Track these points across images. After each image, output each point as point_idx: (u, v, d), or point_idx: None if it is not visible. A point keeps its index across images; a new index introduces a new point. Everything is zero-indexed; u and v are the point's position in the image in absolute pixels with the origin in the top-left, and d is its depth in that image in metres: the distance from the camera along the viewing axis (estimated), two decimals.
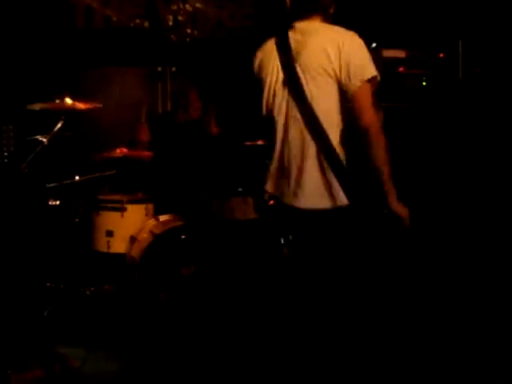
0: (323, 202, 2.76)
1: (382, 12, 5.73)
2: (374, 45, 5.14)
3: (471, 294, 4.41)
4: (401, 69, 5.09)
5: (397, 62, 5.07)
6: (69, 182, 4.56)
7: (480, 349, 3.81)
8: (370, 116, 2.71)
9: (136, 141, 5.13)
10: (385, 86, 4.95)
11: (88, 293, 4.41)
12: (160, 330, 4.08)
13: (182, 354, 3.85)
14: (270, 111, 2.92)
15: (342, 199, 2.73)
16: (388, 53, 5.05)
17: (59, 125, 4.41)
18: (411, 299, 4.19)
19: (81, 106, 4.47)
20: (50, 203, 4.51)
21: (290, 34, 2.88)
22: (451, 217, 4.74)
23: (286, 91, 2.83)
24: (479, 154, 4.88)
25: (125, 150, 4.75)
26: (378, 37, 5.25)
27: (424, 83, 5.02)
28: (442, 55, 5.22)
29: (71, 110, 4.46)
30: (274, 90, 2.88)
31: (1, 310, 4.19)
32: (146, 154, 4.95)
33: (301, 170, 2.79)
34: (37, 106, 4.40)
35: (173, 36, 6.35)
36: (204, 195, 4.72)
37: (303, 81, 2.76)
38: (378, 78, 2.78)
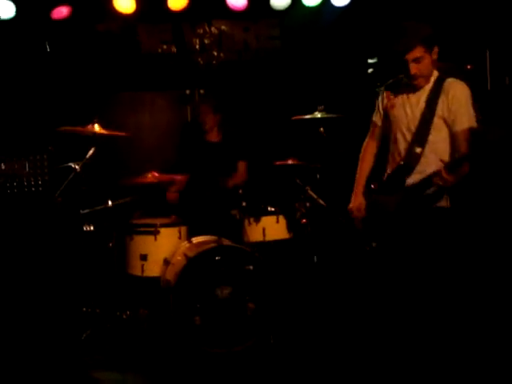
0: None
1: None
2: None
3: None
4: None
5: None
6: (102, 207, 4.60)
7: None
8: None
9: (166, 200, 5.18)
10: None
11: (124, 317, 4.43)
12: (195, 354, 4.08)
13: (217, 378, 3.84)
14: None
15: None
16: None
17: (91, 151, 4.47)
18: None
19: (108, 133, 4.54)
20: (85, 229, 4.56)
21: None
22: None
23: None
24: (509, 165, 4.82)
25: (156, 174, 4.79)
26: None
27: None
28: (469, 66, 5.19)
29: (100, 136, 4.51)
30: None
31: (40, 335, 4.24)
32: (178, 177, 4.98)
33: None
34: (67, 131, 4.46)
35: (200, 59, 6.41)
36: (236, 216, 4.73)
37: None
38: None
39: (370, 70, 5.56)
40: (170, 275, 4.31)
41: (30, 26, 5.74)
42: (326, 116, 4.95)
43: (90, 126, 4.47)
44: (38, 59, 5.87)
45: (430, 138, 3.37)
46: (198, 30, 6.39)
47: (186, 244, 4.58)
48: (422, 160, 3.37)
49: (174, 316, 4.13)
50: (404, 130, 3.46)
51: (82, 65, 6.05)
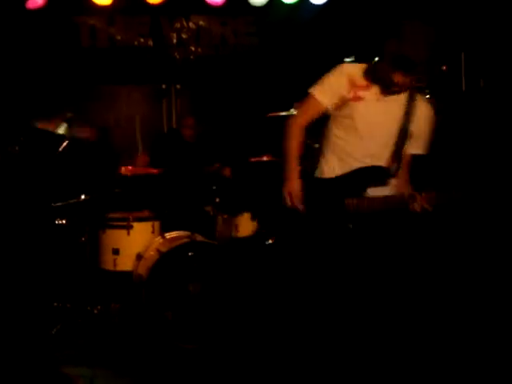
0: None
1: (384, 25, 5.74)
2: (376, 59, 5.16)
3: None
4: None
5: None
6: (75, 200, 4.56)
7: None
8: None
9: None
10: None
11: (95, 311, 4.40)
12: (167, 348, 4.07)
13: (189, 371, 3.84)
14: None
15: None
16: None
17: (64, 144, 4.43)
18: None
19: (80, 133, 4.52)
20: (57, 222, 4.52)
21: None
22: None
23: None
24: (483, 165, 4.88)
25: (131, 168, 4.76)
26: (380, 50, 5.27)
27: (427, 96, 5.02)
28: (445, 68, 5.23)
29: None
30: None
31: (8, 329, 4.20)
32: (152, 171, 4.96)
33: None
34: (39, 125, 4.41)
35: (177, 54, 6.39)
36: (210, 213, 4.73)
37: None
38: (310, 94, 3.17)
39: None
40: (143, 270, 4.29)
41: (4, 16, 5.68)
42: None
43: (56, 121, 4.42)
44: (12, 50, 5.80)
45: (403, 152, 3.19)
46: (176, 25, 6.38)
47: (159, 239, 4.56)
48: (396, 175, 3.20)
49: (145, 311, 4.12)
50: (378, 136, 3.15)
51: (56, 56, 5.99)
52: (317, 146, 3.44)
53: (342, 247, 3.14)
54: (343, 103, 3.14)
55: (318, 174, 3.28)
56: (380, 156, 3.17)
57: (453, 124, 5.04)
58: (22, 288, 4.43)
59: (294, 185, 3.18)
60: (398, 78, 3.05)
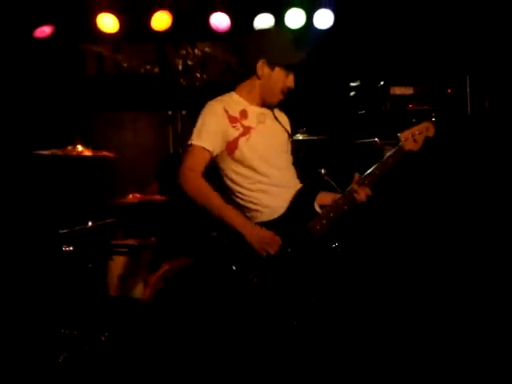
0: None
1: (390, 50, 5.78)
2: (381, 83, 5.18)
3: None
4: (410, 105, 5.11)
5: (405, 98, 5.10)
6: (82, 227, 4.56)
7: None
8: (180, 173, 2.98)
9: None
10: (393, 123, 5.00)
11: (102, 338, 4.37)
12: (175, 374, 4.04)
13: None
14: None
15: None
16: (396, 90, 5.09)
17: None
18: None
19: (91, 153, 4.50)
20: (64, 249, 4.51)
21: None
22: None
23: None
24: (489, 188, 4.87)
25: (137, 195, 4.76)
26: (386, 74, 5.30)
27: (433, 119, 5.02)
28: (449, 91, 5.24)
29: (82, 157, 4.49)
30: None
31: (15, 356, 4.17)
32: (159, 198, 4.96)
33: None
34: (48, 152, 4.42)
35: (182, 80, 6.43)
36: (213, 235, 4.70)
37: None
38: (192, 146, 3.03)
39: (351, 93, 5.60)
40: (150, 296, 4.27)
41: (12, 44, 5.73)
42: (307, 138, 4.97)
43: (72, 146, 4.44)
44: (19, 77, 5.85)
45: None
46: (181, 51, 6.43)
47: (165, 266, 4.54)
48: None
49: (153, 338, 4.09)
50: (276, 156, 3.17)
51: (63, 84, 6.03)
52: None
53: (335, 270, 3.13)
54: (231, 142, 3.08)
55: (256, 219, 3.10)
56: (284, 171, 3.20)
57: (458, 147, 5.04)
58: (30, 314, 4.41)
59: (256, 230, 2.96)
60: (290, 81, 3.18)
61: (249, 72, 3.19)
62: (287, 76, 3.18)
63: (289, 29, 5.90)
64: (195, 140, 3.03)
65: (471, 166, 4.98)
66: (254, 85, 3.20)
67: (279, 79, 3.16)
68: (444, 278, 4.57)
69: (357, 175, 3.14)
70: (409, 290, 4.31)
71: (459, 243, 4.73)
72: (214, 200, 2.98)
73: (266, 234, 2.96)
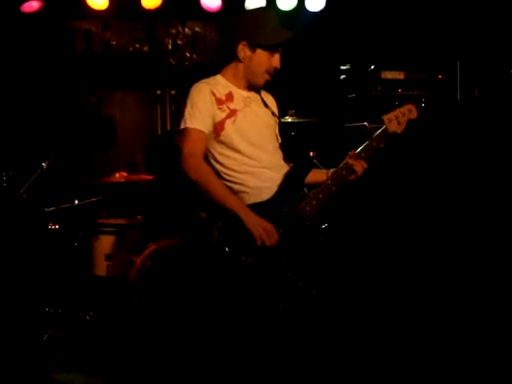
0: None
1: (381, 34, 5.77)
2: (372, 67, 5.17)
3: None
4: (399, 90, 5.10)
5: (395, 83, 5.09)
6: (68, 206, 4.53)
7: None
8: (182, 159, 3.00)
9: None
10: (384, 108, 4.99)
11: (87, 317, 4.36)
12: (160, 355, 4.04)
13: (183, 377, 3.80)
14: None
15: None
16: (387, 74, 5.08)
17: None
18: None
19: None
20: (50, 227, 4.49)
21: None
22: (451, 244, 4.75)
23: None
24: (478, 175, 4.88)
25: (124, 174, 4.73)
26: (377, 59, 5.28)
27: (423, 104, 5.02)
28: (440, 77, 5.24)
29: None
30: None
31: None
32: (146, 177, 4.93)
33: None
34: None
35: (172, 60, 6.38)
36: (204, 218, 4.69)
37: None
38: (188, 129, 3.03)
39: (342, 77, 5.58)
40: (136, 276, 4.26)
41: None
42: (296, 120, 4.96)
43: None
44: (7, 51, 5.78)
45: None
46: (171, 30, 6.37)
47: (151, 245, 4.53)
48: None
49: (138, 317, 4.09)
50: (263, 139, 3.20)
51: (51, 60, 5.97)
52: None
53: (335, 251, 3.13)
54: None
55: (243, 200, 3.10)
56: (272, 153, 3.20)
57: (448, 133, 5.05)
58: (14, 292, 4.39)
59: (258, 220, 2.95)
60: (275, 61, 3.14)
61: (231, 55, 3.16)
62: (272, 56, 3.14)
63: (280, 11, 5.87)
64: (189, 123, 3.04)
65: (460, 153, 4.99)
66: (237, 68, 3.18)
67: (262, 61, 3.14)
68: (433, 263, 4.60)
69: (352, 151, 3.16)
70: (398, 277, 4.33)
71: (447, 228, 4.75)
72: (217, 186, 3.00)
73: (267, 226, 2.96)
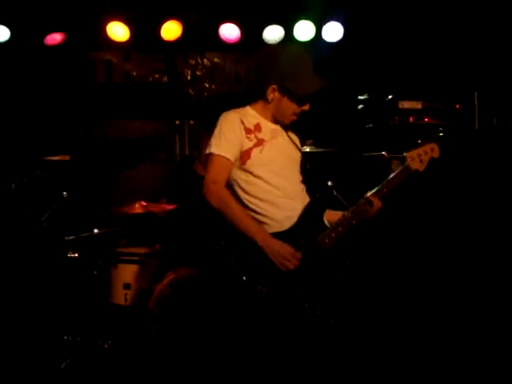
0: None
1: (399, 64, 5.80)
2: (390, 96, 5.19)
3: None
4: (417, 120, 5.11)
5: (413, 112, 5.10)
6: (87, 234, 4.56)
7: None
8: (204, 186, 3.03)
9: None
10: (401, 137, 5.00)
11: (106, 346, 4.36)
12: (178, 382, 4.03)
13: None
14: None
15: None
16: (404, 104, 5.08)
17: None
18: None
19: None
20: (69, 255, 4.51)
21: None
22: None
23: None
24: (496, 204, 4.86)
25: (144, 204, 4.76)
26: (395, 88, 5.30)
27: (441, 134, 5.03)
28: (458, 106, 5.24)
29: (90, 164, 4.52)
30: None
31: (19, 363, 4.17)
32: (165, 207, 4.96)
33: None
34: (57, 158, 4.45)
35: (191, 90, 6.45)
36: (221, 244, 4.70)
37: None
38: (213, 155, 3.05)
39: (360, 107, 5.60)
40: (154, 305, 4.27)
41: (23, 51, 5.77)
42: (314, 150, 4.97)
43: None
44: (30, 83, 5.88)
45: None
46: (191, 61, 6.46)
47: (170, 274, 4.53)
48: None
49: (156, 346, 4.08)
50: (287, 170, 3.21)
51: (73, 90, 6.07)
52: None
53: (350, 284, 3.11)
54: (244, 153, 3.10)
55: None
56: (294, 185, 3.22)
57: (466, 162, 5.03)
58: (34, 320, 4.41)
59: (277, 246, 2.97)
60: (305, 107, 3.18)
61: (261, 92, 3.18)
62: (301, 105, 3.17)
63: (298, 41, 5.92)
64: (215, 149, 3.06)
65: (478, 182, 4.97)
66: (266, 105, 3.20)
67: (291, 106, 3.16)
68: (449, 292, 4.57)
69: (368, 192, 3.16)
70: (416, 307, 4.30)
71: (466, 259, 4.72)
72: (238, 212, 3.02)
73: (287, 250, 2.97)
